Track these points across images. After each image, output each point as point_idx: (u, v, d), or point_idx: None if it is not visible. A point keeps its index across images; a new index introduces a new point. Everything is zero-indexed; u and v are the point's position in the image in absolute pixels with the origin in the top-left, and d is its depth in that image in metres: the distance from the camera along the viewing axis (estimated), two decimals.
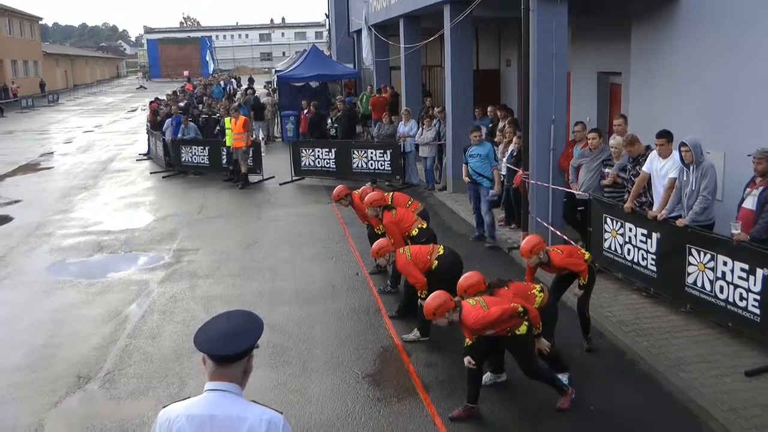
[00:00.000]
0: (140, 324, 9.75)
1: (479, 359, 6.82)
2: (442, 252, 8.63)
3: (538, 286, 7.39)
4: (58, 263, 12.89)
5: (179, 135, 21.42)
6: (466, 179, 12.79)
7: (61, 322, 9.94)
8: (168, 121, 22.48)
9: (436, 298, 6.74)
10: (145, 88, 77.24)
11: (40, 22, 78.04)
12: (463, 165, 12.90)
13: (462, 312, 6.64)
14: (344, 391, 7.59)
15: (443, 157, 17.58)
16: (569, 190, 11.42)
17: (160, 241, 13.98)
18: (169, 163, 21.81)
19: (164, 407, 3.20)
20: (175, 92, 36.79)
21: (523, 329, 6.65)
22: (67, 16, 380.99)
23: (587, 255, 8.15)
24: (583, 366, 7.86)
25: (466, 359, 6.78)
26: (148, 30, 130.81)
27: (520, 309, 6.59)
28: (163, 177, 21.15)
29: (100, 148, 29.24)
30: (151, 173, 22.05)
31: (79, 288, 11.42)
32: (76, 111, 52.04)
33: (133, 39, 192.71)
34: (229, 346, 3.07)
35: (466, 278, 7.25)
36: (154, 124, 24.80)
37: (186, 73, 76.02)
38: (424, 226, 9.93)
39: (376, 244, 9.11)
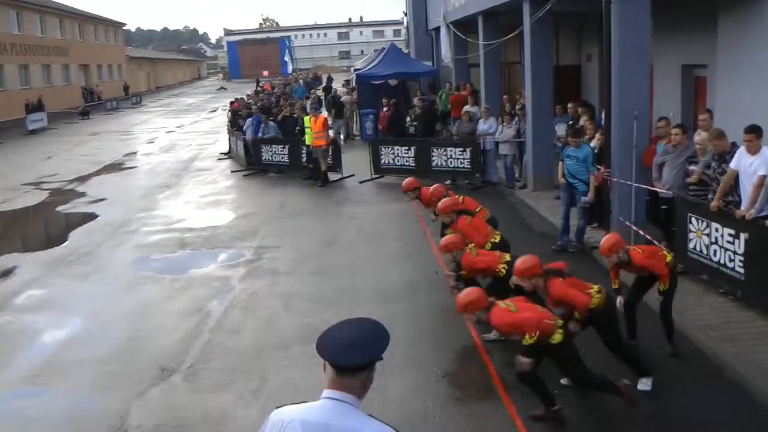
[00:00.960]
0: (222, 319, 10.03)
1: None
2: (509, 259, 8.36)
3: (596, 287, 7.20)
4: (143, 259, 13.35)
5: (259, 134, 21.87)
6: (561, 180, 12.36)
7: (146, 316, 10.32)
8: (248, 120, 22.96)
9: (470, 294, 6.78)
10: (225, 89, 78.92)
11: (123, 28, 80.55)
12: (559, 163, 12.49)
13: (491, 311, 6.67)
14: (424, 389, 7.64)
15: (523, 155, 17.44)
16: (652, 189, 11.17)
17: (242, 239, 14.31)
18: (250, 161, 22.27)
19: (277, 408, 3.14)
20: (256, 91, 37.52)
21: (557, 338, 6.51)
22: (149, 21, 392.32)
23: (669, 257, 7.94)
24: (667, 371, 7.69)
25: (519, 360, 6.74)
26: (228, 32, 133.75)
27: (556, 322, 6.53)
28: (243, 175, 21.62)
29: (182, 147, 30.10)
30: (232, 172, 22.56)
31: (162, 283, 11.81)
32: (159, 112, 53.65)
33: (213, 41, 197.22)
34: (355, 356, 2.98)
35: (523, 261, 7.25)
36: (235, 124, 25.37)
37: (266, 72, 77.37)
38: (498, 239, 9.48)
39: (445, 239, 9.01)
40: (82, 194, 20.24)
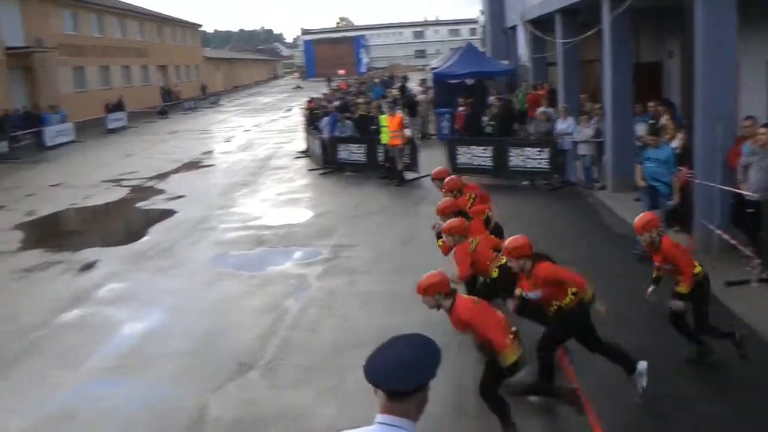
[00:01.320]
0: (299, 317, 10.09)
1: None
2: (504, 262, 7.84)
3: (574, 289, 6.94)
4: (221, 256, 13.55)
5: (336, 132, 22.01)
6: (641, 183, 12.03)
7: (224, 312, 10.47)
8: (325, 119, 23.13)
9: (434, 276, 6.64)
10: (301, 88, 79.84)
11: (200, 29, 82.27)
12: (638, 166, 12.18)
13: (455, 303, 6.55)
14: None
15: (602, 155, 17.09)
16: (738, 191, 10.77)
17: (318, 237, 14.40)
18: (326, 160, 22.43)
19: None
20: (333, 90, 37.80)
21: (510, 358, 6.35)
22: (226, 22, 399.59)
23: (699, 269, 7.57)
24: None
25: None
26: (305, 31, 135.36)
27: (511, 343, 6.37)
28: (320, 174, 21.79)
29: (258, 146, 30.52)
30: (308, 170, 22.77)
31: (240, 280, 11.97)
32: (236, 111, 54.58)
33: (289, 41, 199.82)
34: (406, 379, 2.80)
35: (514, 239, 7.11)
36: (312, 122, 25.59)
37: (342, 71, 77.95)
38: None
39: (449, 222, 8.69)
40: (161, 191, 20.71)
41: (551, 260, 7.20)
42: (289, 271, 12.31)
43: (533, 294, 7.11)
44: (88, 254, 14.31)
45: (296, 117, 42.21)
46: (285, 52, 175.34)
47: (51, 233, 17.32)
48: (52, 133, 35.77)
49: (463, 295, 6.74)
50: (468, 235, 8.51)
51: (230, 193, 19.73)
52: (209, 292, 11.44)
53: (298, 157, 25.83)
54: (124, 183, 22.68)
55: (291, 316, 10.14)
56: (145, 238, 15.41)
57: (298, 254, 13.33)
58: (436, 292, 6.57)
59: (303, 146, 27.11)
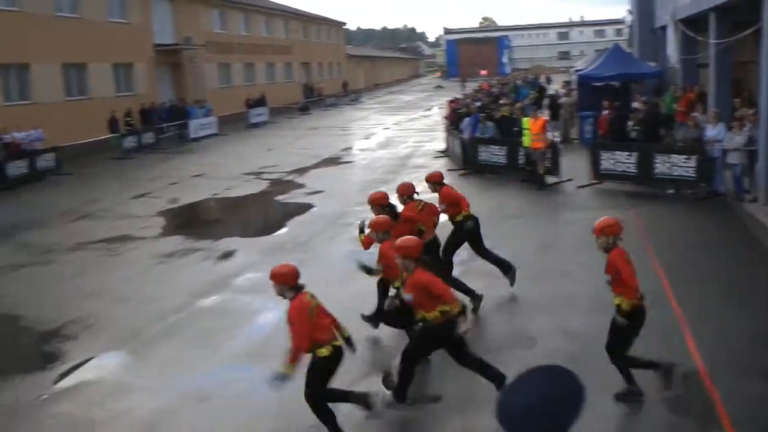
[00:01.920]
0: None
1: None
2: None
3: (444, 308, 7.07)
4: (357, 252, 13.68)
5: (477, 133, 21.90)
6: None
7: (358, 309, 10.56)
8: (467, 119, 23.06)
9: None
10: (442, 88, 79.97)
11: (344, 27, 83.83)
12: None
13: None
14: (639, 412, 7.30)
15: (755, 165, 16.15)
16: None
17: None
18: (466, 161, 22.35)
19: None
20: (476, 90, 37.69)
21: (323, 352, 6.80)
22: (369, 20, 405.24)
23: (640, 294, 7.26)
24: None
25: None
26: (448, 31, 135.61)
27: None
28: (459, 175, 21.71)
29: (398, 144, 30.81)
30: (447, 171, 22.69)
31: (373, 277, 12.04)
32: (376, 109, 55.32)
33: (431, 40, 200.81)
34: (556, 426, 2.58)
35: (406, 239, 7.41)
36: (453, 122, 25.59)
37: (484, 72, 77.57)
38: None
39: (376, 218, 8.93)
40: (301, 186, 21.26)
41: (436, 272, 7.34)
42: None
43: (408, 296, 7.31)
44: (228, 243, 14.89)
45: (436, 116, 42.41)
46: (427, 51, 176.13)
47: (192, 221, 18.13)
48: (196, 126, 37.47)
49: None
50: (391, 233, 8.60)
51: (368, 190, 19.67)
52: (344, 288, 11.59)
53: (437, 157, 25.88)
54: (264, 176, 23.43)
55: None
56: (283, 231, 15.88)
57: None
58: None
59: (443, 146, 27.13)
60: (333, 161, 26.65)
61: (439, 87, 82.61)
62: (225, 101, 44.22)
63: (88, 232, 16.85)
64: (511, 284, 11.06)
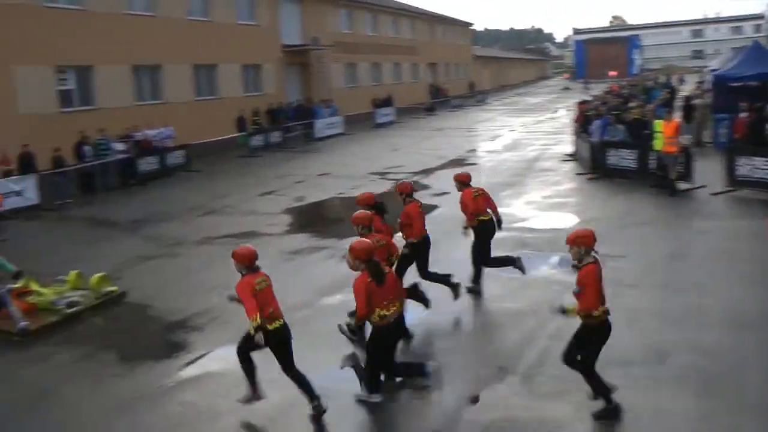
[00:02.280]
0: (562, 326, 9.77)
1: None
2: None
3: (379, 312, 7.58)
4: None
5: (606, 137, 21.30)
6: None
7: (485, 312, 10.51)
8: (596, 122, 22.48)
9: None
10: (570, 89, 78.61)
11: (471, 28, 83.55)
12: None
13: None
14: None
15: None
16: None
17: None
18: (595, 165, 21.77)
19: None
20: (605, 92, 36.77)
21: None
22: (496, 21, 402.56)
23: (603, 309, 7.30)
24: None
25: None
26: (577, 31, 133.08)
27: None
28: (588, 179, 21.19)
29: (524, 146, 30.39)
30: (576, 174, 22.24)
31: (501, 281, 11.90)
32: (502, 110, 54.87)
33: (559, 40, 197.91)
34: None
35: (360, 242, 7.90)
36: (582, 125, 25.02)
37: (613, 73, 75.72)
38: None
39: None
40: (426, 186, 21.23)
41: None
42: (552, 277, 12.06)
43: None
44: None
45: (563, 119, 41.69)
46: (554, 51, 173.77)
47: (318, 220, 18.38)
48: (323, 126, 38.13)
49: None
50: (372, 228, 9.33)
51: (494, 193, 19.40)
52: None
53: (565, 160, 25.35)
54: (390, 176, 23.55)
55: (554, 324, 9.87)
56: None
57: (562, 261, 12.97)
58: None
59: (570, 149, 26.58)
60: (459, 162, 26.49)
61: (566, 89, 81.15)
62: (351, 101, 44.84)
63: (215, 227, 17.36)
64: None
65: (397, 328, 7.89)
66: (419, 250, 10.92)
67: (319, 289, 11.95)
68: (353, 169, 24.80)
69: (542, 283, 11.70)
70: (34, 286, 11.95)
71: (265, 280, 7.77)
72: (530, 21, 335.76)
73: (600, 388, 7.43)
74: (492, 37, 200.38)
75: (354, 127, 40.96)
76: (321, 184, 22.83)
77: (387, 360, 7.97)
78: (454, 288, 10.94)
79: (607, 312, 7.35)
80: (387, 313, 7.61)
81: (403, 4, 62.87)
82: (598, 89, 53.48)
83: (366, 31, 51.91)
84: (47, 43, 25.37)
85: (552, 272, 12.39)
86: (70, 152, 23.55)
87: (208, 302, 11.66)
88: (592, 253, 7.30)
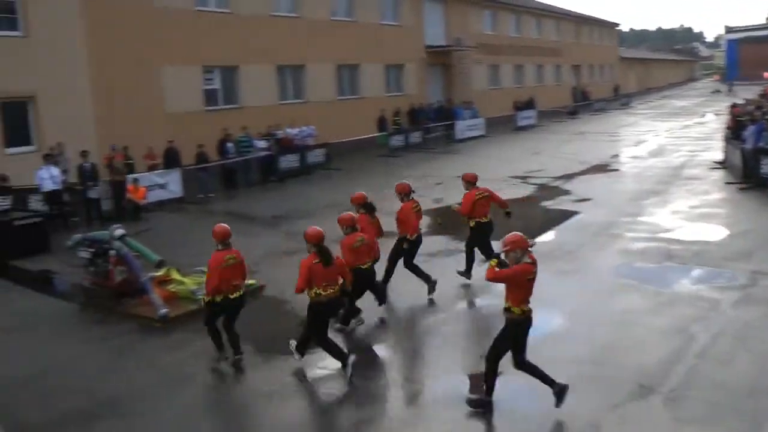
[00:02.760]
0: (709, 346, 9.32)
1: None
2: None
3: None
4: (625, 265, 13.10)
5: (761, 143, 20.14)
6: None
7: (626, 326, 10.07)
8: (750, 127, 21.32)
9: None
10: (720, 92, 75.24)
11: (617, 29, 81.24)
12: None
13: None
14: None
15: None
16: None
17: (735, 259, 13.20)
18: (747, 174, 20.63)
19: None
20: (761, 95, 34.92)
21: None
22: (643, 21, 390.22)
23: (523, 308, 7.85)
24: None
25: None
26: (729, 29, 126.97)
27: None
28: (739, 189, 20.09)
29: (670, 152, 29.17)
30: (726, 183, 21.13)
31: (644, 295, 11.43)
32: (647, 114, 53.07)
33: (709, 40, 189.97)
34: None
35: (312, 228, 9.26)
36: (734, 131, 23.79)
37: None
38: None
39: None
40: (567, 192, 20.74)
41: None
42: (699, 293, 11.44)
43: None
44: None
45: (713, 124, 39.97)
46: (704, 52, 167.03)
47: (456, 222, 18.15)
48: (463, 127, 38.00)
49: None
50: (357, 228, 10.49)
51: (638, 201, 19.03)
52: (611, 303, 11.11)
53: (714, 168, 24.15)
54: (531, 180, 23.17)
55: (699, 343, 9.39)
56: (549, 238, 15.53)
57: (710, 275, 12.33)
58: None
59: (720, 156, 25.32)
60: (601, 168, 25.75)
61: (716, 91, 77.67)
62: (492, 103, 44.45)
63: None
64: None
65: (330, 308, 9.05)
66: (411, 245, 12.04)
67: (458, 293, 11.84)
68: (493, 172, 24.45)
69: (687, 300, 11.12)
70: (175, 276, 12.43)
71: (235, 258, 9.34)
72: (679, 20, 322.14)
73: (489, 381, 7.88)
74: (638, 37, 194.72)
75: (494, 129, 40.57)
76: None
77: (320, 332, 9.01)
78: (431, 284, 11.80)
79: (525, 312, 7.88)
80: (322, 293, 8.79)
81: (548, 4, 61.80)
82: (748, 92, 50.97)
83: (509, 32, 51.31)
84: (195, 44, 26.40)
85: (698, 288, 11.73)
86: (213, 149, 24.35)
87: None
88: (527, 256, 7.80)
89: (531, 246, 7.92)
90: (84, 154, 19.73)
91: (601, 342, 9.46)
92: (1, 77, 20.38)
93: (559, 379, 8.01)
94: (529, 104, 46.55)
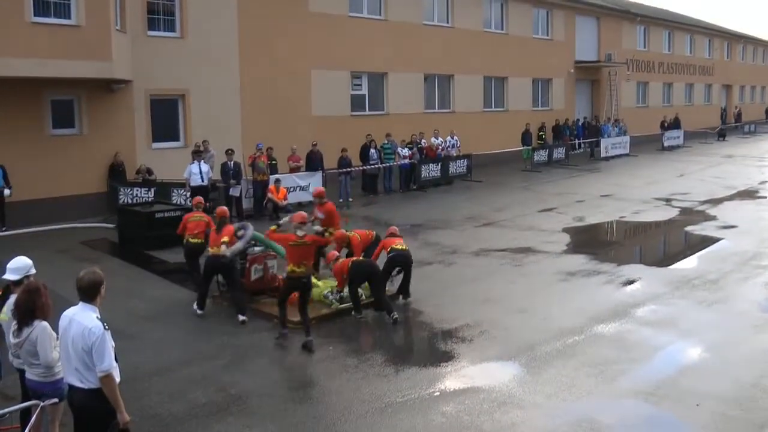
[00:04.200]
0: None
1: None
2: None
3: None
4: None
5: None
6: None
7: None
8: None
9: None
10: None
11: None
12: None
13: None
14: None
15: None
16: None
17: None
18: None
19: None
20: None
21: None
22: None
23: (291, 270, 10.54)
24: None
25: None
26: None
27: None
28: None
29: None
30: None
31: None
32: None
33: None
34: None
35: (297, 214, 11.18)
36: None
37: None
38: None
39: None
40: (713, 217, 19.71)
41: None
42: None
43: None
44: (632, 270, 14.29)
45: None
46: None
47: (597, 242, 17.69)
48: (608, 145, 36.85)
49: None
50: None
51: None
52: (758, 338, 10.41)
53: None
54: (675, 203, 22.19)
55: None
56: (690, 265, 14.79)
57: None
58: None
59: None
60: (749, 194, 24.37)
61: None
62: (639, 121, 42.95)
63: (492, 239, 17.28)
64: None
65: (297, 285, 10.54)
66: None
67: (594, 315, 11.38)
68: (637, 193, 23.65)
69: None
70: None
71: (203, 218, 12.91)
72: None
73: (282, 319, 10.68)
74: None
75: (640, 148, 39.18)
76: (602, 205, 21.97)
77: (281, 301, 10.69)
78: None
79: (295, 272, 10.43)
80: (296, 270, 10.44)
81: (701, 20, 59.16)
82: None
83: (661, 48, 49.43)
84: (346, 49, 26.80)
85: None
86: (356, 154, 24.56)
87: (480, 314, 11.58)
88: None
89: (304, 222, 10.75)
90: (229, 152, 20.30)
91: (746, 380, 8.82)
92: (157, 75, 21.32)
93: (699, 414, 7.58)
94: (676, 124, 44.76)
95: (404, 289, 12.47)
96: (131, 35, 20.47)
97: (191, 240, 12.79)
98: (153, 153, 21.35)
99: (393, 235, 12.80)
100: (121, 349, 6.68)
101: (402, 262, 12.30)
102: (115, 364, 5.81)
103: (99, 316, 5.75)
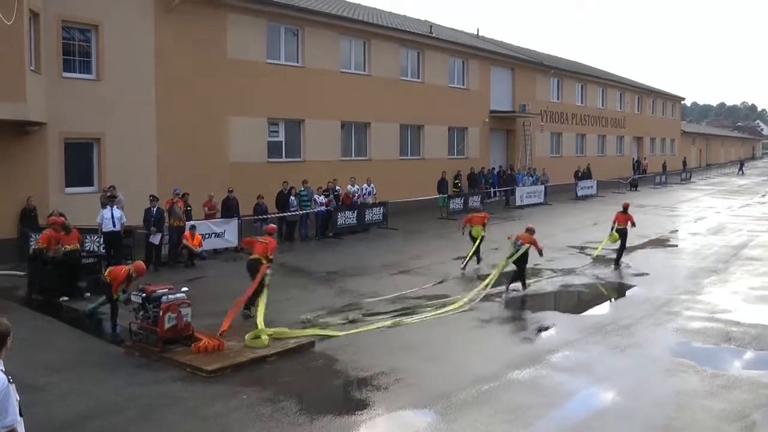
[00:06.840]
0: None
1: None
2: None
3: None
4: (683, 345, 12.69)
5: None
6: None
7: (682, 408, 9.66)
8: None
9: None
10: None
11: (681, 103, 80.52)
12: None
13: None
14: None
15: None
16: None
17: None
18: None
19: None
20: None
21: None
22: (706, 95, 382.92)
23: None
24: None
25: None
26: None
27: None
28: None
29: (731, 231, 28.42)
30: None
31: (702, 376, 10.99)
32: (707, 191, 52.09)
33: None
34: None
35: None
36: None
37: None
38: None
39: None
40: (625, 266, 20.26)
41: None
42: (759, 379, 10.92)
43: None
44: (545, 316, 14.61)
45: None
46: (766, 130, 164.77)
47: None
48: (523, 194, 37.66)
49: None
50: None
51: (697, 279, 18.50)
52: (667, 383, 10.70)
53: None
54: (588, 251, 22.86)
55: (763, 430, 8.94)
56: (604, 311, 15.23)
57: (760, 359, 11.88)
58: None
59: None
60: (660, 243, 25.23)
61: None
62: (553, 170, 44.09)
63: (408, 287, 17.27)
64: None
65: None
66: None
67: (509, 362, 11.48)
68: (552, 240, 24.11)
69: (747, 384, 10.63)
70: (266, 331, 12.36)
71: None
72: (742, 96, 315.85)
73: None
74: (700, 112, 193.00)
75: (554, 197, 40.27)
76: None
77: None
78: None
79: None
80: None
81: (612, 74, 61.52)
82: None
83: (574, 100, 51.22)
84: (264, 96, 26.86)
85: (758, 373, 11.23)
86: (272, 200, 24.52)
87: (396, 361, 11.55)
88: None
89: None
90: (152, 198, 19.99)
91: (656, 424, 9.06)
92: (72, 117, 20.92)
93: None
94: (588, 174, 46.17)
95: None
96: (46, 76, 20.06)
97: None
98: (66, 197, 20.78)
99: None
100: (28, 402, 6.41)
101: None
102: (19, 418, 5.54)
103: (3, 369, 5.50)
